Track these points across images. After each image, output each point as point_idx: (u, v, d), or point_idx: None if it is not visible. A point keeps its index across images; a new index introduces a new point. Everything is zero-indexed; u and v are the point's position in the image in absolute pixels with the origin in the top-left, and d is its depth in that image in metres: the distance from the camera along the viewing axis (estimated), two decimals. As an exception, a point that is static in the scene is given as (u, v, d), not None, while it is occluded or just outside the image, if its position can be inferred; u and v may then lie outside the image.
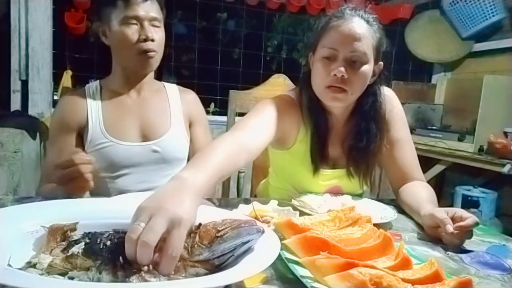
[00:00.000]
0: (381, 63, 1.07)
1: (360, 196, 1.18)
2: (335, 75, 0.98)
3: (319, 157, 1.10)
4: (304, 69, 1.14)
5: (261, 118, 1.01)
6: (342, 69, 0.97)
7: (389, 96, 1.15)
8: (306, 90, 1.10)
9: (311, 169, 1.11)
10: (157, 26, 1.13)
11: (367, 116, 1.09)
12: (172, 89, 1.30)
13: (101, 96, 1.18)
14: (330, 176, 1.15)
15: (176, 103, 1.27)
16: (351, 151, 1.12)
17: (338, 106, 1.07)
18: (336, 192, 1.14)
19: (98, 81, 1.22)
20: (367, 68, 1.01)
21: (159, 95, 1.26)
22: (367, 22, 1.00)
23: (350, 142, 1.11)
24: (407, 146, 1.16)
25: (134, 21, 1.09)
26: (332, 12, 1.05)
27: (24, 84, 2.43)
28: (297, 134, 1.13)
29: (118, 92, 1.20)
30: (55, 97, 2.53)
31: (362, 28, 0.99)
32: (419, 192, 1.06)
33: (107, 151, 1.14)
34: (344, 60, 0.98)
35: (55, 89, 2.54)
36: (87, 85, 1.21)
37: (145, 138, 1.19)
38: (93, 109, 1.16)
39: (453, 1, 2.81)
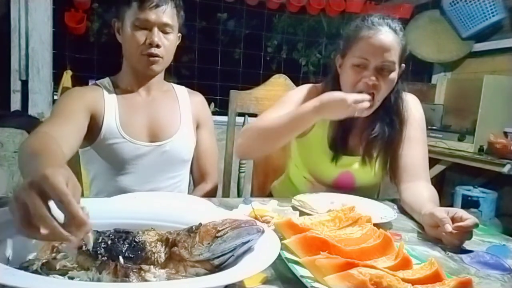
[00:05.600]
0: (403, 65, 1.15)
1: (370, 188, 1.27)
2: (366, 82, 1.07)
3: (340, 145, 1.19)
4: (333, 66, 1.21)
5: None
6: (374, 78, 1.07)
7: (411, 99, 1.24)
8: (333, 88, 1.17)
9: (328, 154, 1.20)
10: (168, 32, 1.14)
11: (390, 111, 1.18)
12: (181, 90, 1.31)
13: (115, 93, 1.18)
14: (345, 162, 1.21)
15: (185, 104, 1.28)
16: (371, 141, 1.19)
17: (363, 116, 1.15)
18: (346, 178, 1.21)
19: (107, 78, 1.22)
20: (394, 75, 1.10)
21: (169, 96, 1.27)
22: (395, 31, 1.08)
23: (371, 133, 1.18)
24: (418, 146, 1.19)
25: (144, 25, 1.10)
26: (359, 19, 1.11)
27: (24, 84, 2.43)
28: None
29: (128, 90, 1.20)
30: (55, 97, 2.53)
31: (390, 38, 1.06)
32: (421, 192, 1.07)
33: (119, 148, 1.14)
34: (375, 69, 1.07)
35: (55, 89, 2.54)
36: (98, 81, 1.21)
37: (154, 137, 1.19)
38: (110, 104, 1.16)
39: (453, 1, 2.81)
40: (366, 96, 1.03)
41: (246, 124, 1.27)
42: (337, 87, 1.16)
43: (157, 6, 1.10)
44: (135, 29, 1.11)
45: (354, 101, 1.00)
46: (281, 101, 1.26)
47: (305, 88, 1.26)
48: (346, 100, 0.99)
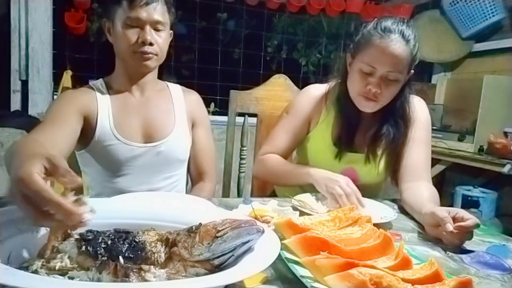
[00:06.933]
0: (412, 71, 1.14)
1: (373, 186, 1.27)
2: (370, 89, 1.08)
3: (344, 142, 1.21)
4: (343, 64, 1.22)
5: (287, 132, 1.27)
6: (377, 86, 1.08)
7: (417, 101, 1.24)
8: (341, 85, 1.21)
9: (332, 150, 1.22)
10: (160, 30, 1.12)
11: (396, 114, 1.19)
12: (175, 89, 1.29)
13: (108, 94, 1.17)
14: (348, 159, 1.22)
15: (180, 103, 1.26)
16: (376, 140, 1.20)
17: (367, 112, 1.17)
18: (349, 174, 1.21)
19: (101, 79, 1.21)
20: (400, 83, 1.11)
21: (163, 95, 1.25)
22: (407, 41, 1.07)
23: (376, 132, 1.20)
24: (421, 147, 1.19)
25: (136, 23, 1.09)
26: (373, 23, 1.10)
27: (24, 84, 2.43)
28: (320, 116, 1.26)
29: (121, 90, 1.19)
30: (55, 97, 2.53)
31: (401, 49, 1.05)
32: (422, 192, 1.08)
33: (113, 149, 1.13)
34: (380, 77, 1.08)
35: (55, 89, 2.54)
36: (91, 82, 1.20)
37: (149, 138, 1.18)
38: (103, 106, 1.15)
39: (453, 1, 2.81)
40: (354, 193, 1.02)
41: (260, 152, 1.31)
42: (345, 86, 1.18)
43: (147, 3, 1.08)
44: (126, 27, 1.09)
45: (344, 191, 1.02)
46: (288, 113, 1.28)
47: (309, 93, 1.27)
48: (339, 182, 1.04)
